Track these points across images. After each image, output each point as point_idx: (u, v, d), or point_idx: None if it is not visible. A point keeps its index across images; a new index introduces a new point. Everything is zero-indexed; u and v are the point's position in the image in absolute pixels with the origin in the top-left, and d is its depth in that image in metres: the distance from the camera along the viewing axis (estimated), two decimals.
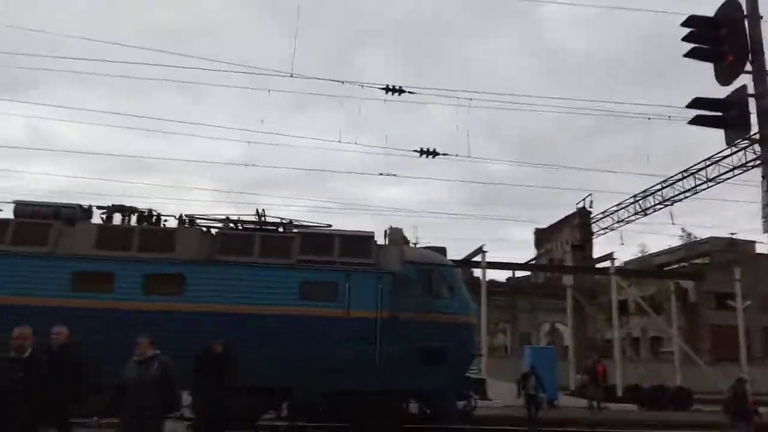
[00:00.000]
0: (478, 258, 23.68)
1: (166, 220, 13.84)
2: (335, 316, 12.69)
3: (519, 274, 46.77)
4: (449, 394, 13.03)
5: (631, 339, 44.00)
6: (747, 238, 47.24)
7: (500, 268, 29.84)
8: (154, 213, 13.67)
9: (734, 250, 44.49)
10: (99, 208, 13.69)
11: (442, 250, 14.77)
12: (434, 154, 17.34)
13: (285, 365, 12.20)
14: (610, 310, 30.00)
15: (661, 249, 50.83)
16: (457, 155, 17.98)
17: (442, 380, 12.81)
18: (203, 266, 12.63)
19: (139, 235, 12.81)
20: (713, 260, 43.99)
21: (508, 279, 45.56)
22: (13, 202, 13.22)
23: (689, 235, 51.32)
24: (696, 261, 45.92)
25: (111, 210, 13.57)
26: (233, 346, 10.29)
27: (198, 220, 13.68)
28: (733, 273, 27.15)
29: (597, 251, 40.19)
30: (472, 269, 28.02)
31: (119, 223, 13.41)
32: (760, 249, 46.41)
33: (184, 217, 13.69)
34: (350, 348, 12.52)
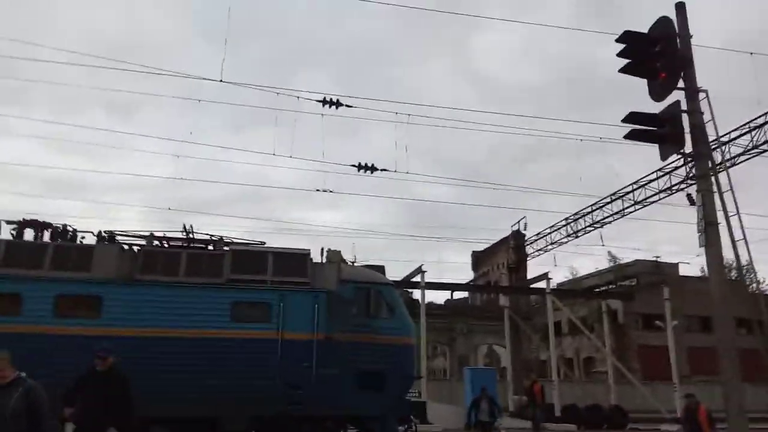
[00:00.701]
0: (417, 279, 23.41)
1: (83, 237, 12.81)
2: (269, 338, 11.99)
3: (457, 296, 47.01)
4: (389, 418, 12.48)
5: (565, 359, 44.75)
6: (670, 261, 49.31)
7: (439, 289, 29.71)
8: (70, 229, 12.62)
9: (659, 272, 46.30)
10: (8, 222, 12.53)
11: (380, 269, 14.35)
12: (372, 169, 17.03)
13: (214, 393, 11.36)
14: (544, 330, 30.37)
15: (591, 272, 52.31)
16: (395, 170, 17.69)
17: (381, 404, 12.26)
18: (122, 286, 11.68)
19: (52, 252, 11.74)
20: (640, 282, 45.54)
21: (446, 301, 45.59)
22: None
23: (615, 258, 53.12)
24: (624, 283, 47.41)
25: (22, 225, 12.43)
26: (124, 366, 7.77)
27: (119, 237, 12.72)
28: (661, 293, 28.02)
29: (532, 273, 40.81)
30: (411, 291, 27.71)
31: (30, 240, 12.28)
32: (683, 271, 48.60)
33: (103, 234, 12.70)
34: (285, 372, 11.83)
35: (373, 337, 12.55)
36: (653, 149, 9.89)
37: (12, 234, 12.39)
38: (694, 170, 10.40)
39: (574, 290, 42.30)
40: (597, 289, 42.63)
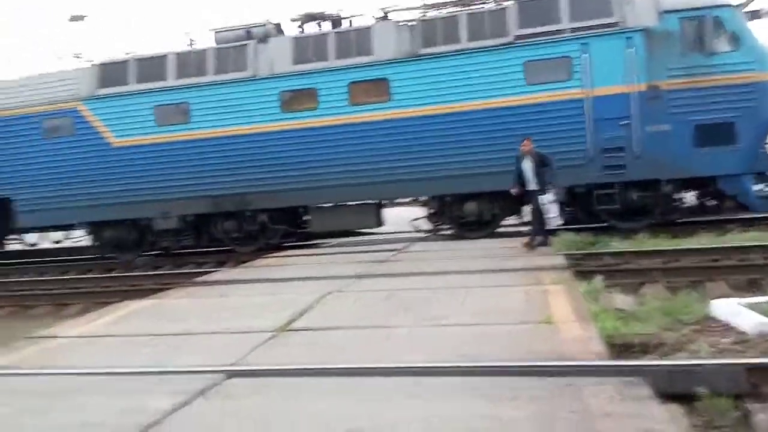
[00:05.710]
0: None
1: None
2: (573, 98, 10.25)
3: None
4: (742, 176, 9.92)
5: None
6: None
7: None
8: (345, 15, 12.02)
9: None
10: (293, 20, 12.49)
11: None
12: None
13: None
14: None
15: None
16: None
17: (730, 161, 9.83)
18: (406, 64, 10.86)
19: (335, 40, 11.36)
20: None
21: None
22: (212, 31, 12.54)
23: None
24: None
25: (303, 20, 12.26)
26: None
27: (391, 14, 11.67)
28: None
29: None
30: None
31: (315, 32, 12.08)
32: None
33: (377, 16, 11.79)
34: (597, 135, 10.11)
35: (713, 78, 9.83)
36: None
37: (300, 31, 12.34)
38: None
39: None
40: None
